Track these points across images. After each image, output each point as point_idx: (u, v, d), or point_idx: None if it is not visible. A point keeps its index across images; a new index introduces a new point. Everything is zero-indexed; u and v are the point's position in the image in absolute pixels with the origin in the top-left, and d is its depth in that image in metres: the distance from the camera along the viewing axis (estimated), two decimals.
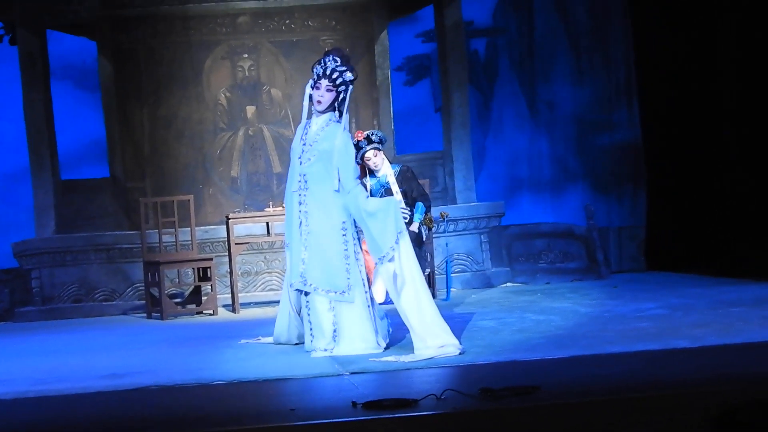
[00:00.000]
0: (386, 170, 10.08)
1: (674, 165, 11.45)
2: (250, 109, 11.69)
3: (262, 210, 10.56)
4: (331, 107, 7.14)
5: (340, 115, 7.14)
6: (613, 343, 6.79)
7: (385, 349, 7.04)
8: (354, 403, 5.15)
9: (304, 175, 7.11)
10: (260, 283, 11.00)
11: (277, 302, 8.13)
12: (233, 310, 10.24)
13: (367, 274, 7.33)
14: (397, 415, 4.93)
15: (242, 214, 10.54)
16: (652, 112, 11.61)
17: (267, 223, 10.41)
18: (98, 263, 10.96)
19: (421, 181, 10.35)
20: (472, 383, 5.43)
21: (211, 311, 10.20)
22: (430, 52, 11.84)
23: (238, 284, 10.45)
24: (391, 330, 7.28)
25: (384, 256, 6.91)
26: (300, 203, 7.12)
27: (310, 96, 7.16)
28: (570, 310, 8.82)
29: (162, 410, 5.61)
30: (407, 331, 6.96)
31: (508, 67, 11.77)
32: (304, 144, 7.14)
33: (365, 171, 10.06)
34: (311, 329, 7.12)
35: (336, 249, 7.04)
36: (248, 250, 10.83)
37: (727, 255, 10.55)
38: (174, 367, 6.93)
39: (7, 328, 10.29)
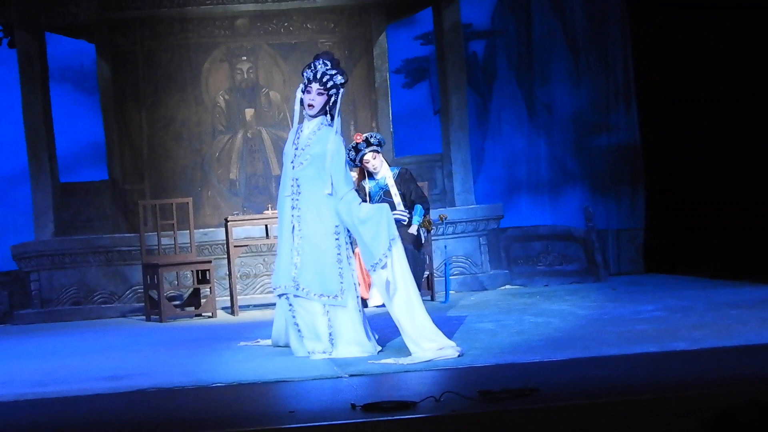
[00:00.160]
0: (385, 172, 10.08)
1: (673, 167, 11.46)
2: (249, 112, 11.69)
3: (261, 212, 10.56)
4: (322, 111, 7.15)
5: (332, 119, 7.14)
6: (611, 345, 6.79)
7: (379, 352, 7.04)
8: (353, 405, 5.15)
9: (297, 179, 7.10)
10: (259, 285, 11.00)
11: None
12: (232, 313, 10.24)
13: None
14: (396, 417, 4.93)
15: (241, 217, 10.54)
16: (650, 113, 11.61)
17: (266, 226, 10.41)
18: (97, 266, 10.96)
19: (419, 184, 10.36)
20: (470, 385, 5.44)
21: (209, 314, 10.20)
22: (428, 54, 11.83)
23: (237, 287, 10.45)
24: (377, 336, 7.27)
25: (377, 263, 6.91)
26: (293, 207, 7.10)
27: (301, 100, 7.17)
28: (568, 312, 8.82)
29: (161, 412, 5.61)
30: (398, 334, 6.96)
31: (507, 69, 11.77)
32: (296, 148, 7.14)
33: (364, 173, 10.07)
34: (299, 332, 7.10)
35: (329, 253, 7.04)
36: (247, 252, 10.83)
37: (726, 257, 10.55)
38: (173, 370, 6.94)
39: (6, 331, 10.29)
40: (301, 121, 7.23)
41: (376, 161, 9.98)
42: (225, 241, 10.36)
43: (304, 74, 7.19)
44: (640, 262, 11.65)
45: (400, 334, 6.97)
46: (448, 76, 11.53)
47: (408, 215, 10.05)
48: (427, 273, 10.28)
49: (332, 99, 7.14)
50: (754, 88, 10.47)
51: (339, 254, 7.06)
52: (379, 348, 7.09)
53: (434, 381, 6.04)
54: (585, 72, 11.75)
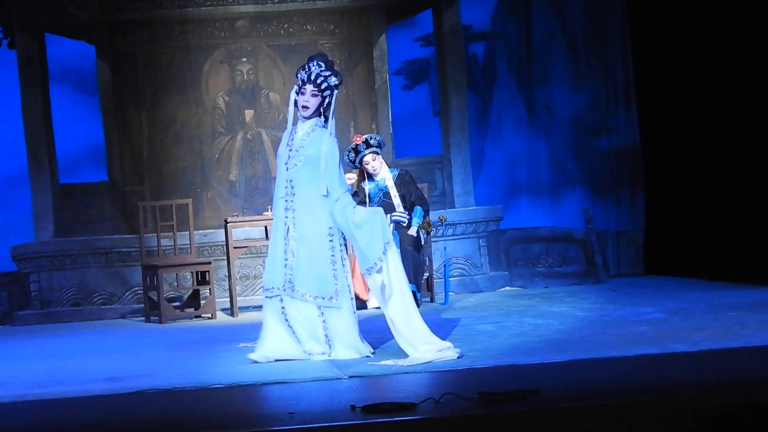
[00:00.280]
0: (385, 174, 10.09)
1: (673, 169, 11.46)
2: (249, 113, 11.69)
3: (261, 214, 10.55)
4: (316, 112, 7.15)
5: (326, 120, 7.14)
6: (611, 347, 6.79)
7: (372, 354, 7.03)
8: (353, 407, 5.15)
9: (291, 180, 7.09)
10: (258, 286, 11.00)
11: None
12: (232, 314, 10.24)
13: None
14: (395, 419, 4.93)
15: (241, 218, 10.55)
16: (650, 115, 11.61)
17: (266, 227, 10.41)
18: (97, 267, 10.96)
19: (419, 185, 10.36)
20: (470, 387, 5.44)
21: (209, 315, 10.20)
22: (428, 56, 11.82)
23: (237, 288, 10.45)
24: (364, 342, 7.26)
25: (372, 267, 6.91)
26: (286, 209, 7.09)
27: (295, 101, 7.18)
28: (568, 314, 8.82)
29: (160, 414, 5.61)
30: (391, 336, 6.96)
31: (507, 71, 11.77)
32: (290, 150, 7.13)
33: (364, 175, 10.07)
34: (294, 334, 7.07)
35: (323, 255, 7.03)
36: (247, 253, 10.83)
37: (726, 259, 10.55)
38: (172, 371, 6.94)
39: (6, 332, 10.29)
40: (295, 123, 7.23)
41: (375, 163, 9.98)
42: (225, 243, 10.36)
43: (298, 76, 7.19)
44: (640, 264, 11.65)
45: (391, 337, 6.97)
46: (448, 77, 11.54)
47: (408, 217, 10.05)
48: (426, 274, 10.28)
49: (326, 100, 7.14)
50: (756, 91, 10.47)
51: (333, 256, 7.05)
52: (372, 350, 7.08)
53: (434, 382, 6.05)
54: (585, 74, 11.75)
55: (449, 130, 11.55)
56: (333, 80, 7.15)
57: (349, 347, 7.00)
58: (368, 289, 9.28)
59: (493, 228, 11.38)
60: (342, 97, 11.60)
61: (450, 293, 10.46)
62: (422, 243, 10.11)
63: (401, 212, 10.07)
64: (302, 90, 7.13)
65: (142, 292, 10.58)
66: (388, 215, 10.04)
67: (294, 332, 7.07)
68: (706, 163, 10.82)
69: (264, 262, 10.90)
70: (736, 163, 10.54)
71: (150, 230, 10.65)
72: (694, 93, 10.94)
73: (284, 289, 7.04)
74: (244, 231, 10.65)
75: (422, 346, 6.77)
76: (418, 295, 9.93)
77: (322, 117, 7.15)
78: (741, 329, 7.25)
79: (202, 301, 10.38)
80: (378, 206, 10.00)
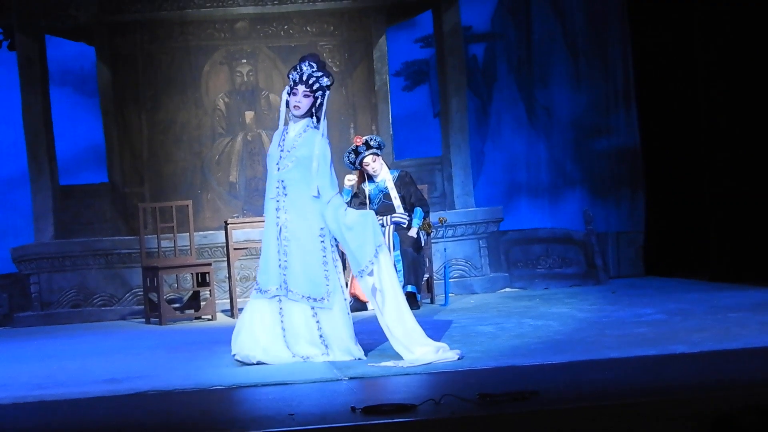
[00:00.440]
0: (385, 175, 10.09)
1: (673, 170, 11.46)
2: (249, 115, 11.69)
3: (261, 215, 10.52)
4: (308, 113, 7.14)
5: (318, 121, 7.14)
6: (611, 349, 6.80)
7: (365, 357, 7.00)
8: (353, 408, 5.16)
9: (282, 181, 7.08)
10: None
11: None
12: (232, 315, 10.23)
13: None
14: (395, 420, 4.93)
15: (241, 220, 10.55)
16: (650, 116, 11.61)
17: None
18: (97, 268, 10.96)
19: (419, 187, 10.37)
20: (470, 388, 5.44)
21: (209, 316, 10.20)
22: (428, 57, 11.82)
23: (237, 289, 10.45)
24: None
25: (363, 270, 6.91)
26: (278, 209, 7.09)
27: (287, 102, 7.18)
28: (568, 315, 8.82)
29: (160, 415, 5.61)
30: (385, 338, 6.96)
31: (507, 72, 11.77)
32: (282, 150, 7.12)
33: (364, 176, 10.08)
34: (284, 336, 7.06)
35: (315, 256, 7.02)
36: (247, 255, 10.83)
37: (726, 259, 10.55)
38: (172, 372, 6.94)
39: (6, 333, 10.29)
40: (286, 123, 7.23)
41: (375, 164, 9.99)
42: (225, 244, 10.36)
43: (290, 76, 7.18)
44: (640, 265, 11.65)
45: (384, 339, 6.97)
46: (448, 79, 11.54)
47: (408, 218, 10.06)
48: (426, 276, 10.28)
49: (318, 101, 7.13)
50: (756, 91, 10.47)
51: (324, 256, 7.04)
52: (364, 354, 7.04)
53: (434, 384, 6.05)
54: (585, 75, 11.75)
55: (449, 131, 11.55)
56: (325, 81, 7.14)
57: (341, 349, 6.98)
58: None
59: (493, 229, 11.38)
60: (342, 99, 11.61)
61: (450, 294, 10.46)
62: (422, 244, 10.11)
63: (401, 213, 10.07)
64: (294, 90, 7.13)
65: (142, 293, 10.59)
66: (389, 216, 10.05)
67: (285, 335, 7.04)
68: (706, 163, 10.82)
69: None
70: (736, 163, 10.54)
71: (150, 231, 10.66)
72: (694, 93, 10.94)
73: (281, 290, 7.04)
74: (244, 232, 10.65)
75: (417, 349, 6.77)
76: (419, 296, 9.94)
77: (314, 118, 7.14)
78: (741, 330, 7.25)
79: (202, 303, 10.38)
80: (378, 208, 10.02)
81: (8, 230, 11.13)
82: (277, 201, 7.08)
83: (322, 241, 7.03)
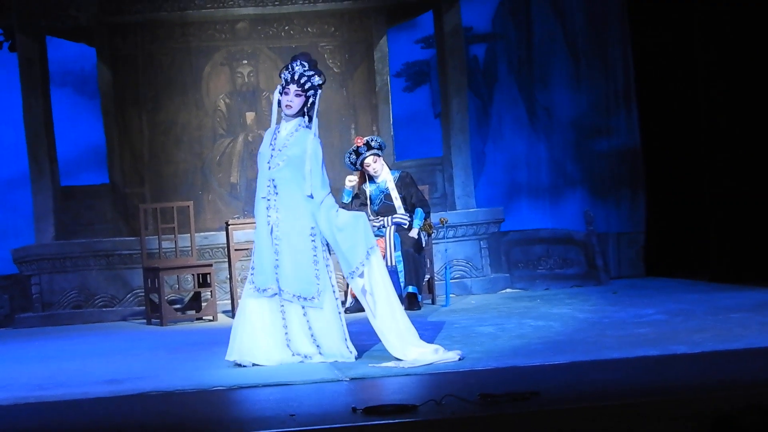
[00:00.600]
0: (385, 176, 10.10)
1: (673, 170, 11.46)
2: (250, 116, 11.69)
3: None
4: (300, 112, 7.15)
5: (310, 120, 7.14)
6: (612, 349, 6.80)
7: (356, 358, 6.99)
8: (354, 409, 5.16)
9: (273, 180, 7.08)
10: None
11: None
12: (233, 316, 10.22)
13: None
14: (396, 421, 4.93)
15: (242, 220, 10.55)
16: (650, 117, 11.61)
17: None
18: (98, 269, 10.96)
19: (420, 187, 10.37)
20: (471, 388, 5.44)
21: (210, 317, 10.21)
22: (429, 58, 11.82)
23: (238, 290, 10.43)
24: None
25: (353, 272, 6.91)
26: (268, 208, 7.08)
27: (279, 101, 7.18)
28: (569, 315, 8.82)
29: (161, 416, 5.61)
30: (377, 339, 6.96)
31: (507, 73, 11.77)
32: (273, 149, 7.12)
33: (365, 177, 10.08)
34: (287, 335, 7.06)
35: (306, 255, 7.02)
36: (248, 256, 10.80)
37: (726, 260, 10.55)
38: (173, 373, 6.94)
39: (7, 334, 10.29)
40: (278, 123, 7.24)
41: (376, 165, 9.99)
42: (226, 245, 10.37)
43: (282, 75, 7.19)
44: (641, 266, 11.65)
45: (377, 340, 6.97)
46: (448, 79, 11.54)
47: (409, 219, 10.06)
48: (427, 276, 10.28)
49: (310, 100, 7.14)
50: (755, 89, 10.47)
51: (315, 255, 7.03)
52: (357, 355, 7.02)
53: (435, 384, 6.05)
54: (585, 75, 11.75)
55: (450, 132, 11.55)
56: (317, 80, 7.15)
57: (332, 348, 6.97)
58: None
59: (493, 230, 11.38)
60: (342, 100, 11.61)
61: (451, 295, 10.46)
62: (423, 245, 10.11)
63: (402, 214, 10.08)
64: (286, 90, 7.13)
65: (143, 294, 10.59)
66: (390, 217, 10.05)
67: (287, 334, 7.04)
68: (706, 163, 10.82)
69: None
70: (736, 163, 10.54)
71: (151, 232, 10.66)
72: (694, 93, 10.94)
73: (276, 289, 7.03)
74: (245, 233, 10.64)
75: (411, 350, 6.77)
76: (420, 297, 9.94)
77: (306, 117, 7.15)
78: (742, 330, 7.26)
79: (204, 304, 10.38)
80: (379, 208, 10.02)
81: (9, 231, 11.14)
82: (268, 200, 7.08)
83: (313, 240, 7.03)
